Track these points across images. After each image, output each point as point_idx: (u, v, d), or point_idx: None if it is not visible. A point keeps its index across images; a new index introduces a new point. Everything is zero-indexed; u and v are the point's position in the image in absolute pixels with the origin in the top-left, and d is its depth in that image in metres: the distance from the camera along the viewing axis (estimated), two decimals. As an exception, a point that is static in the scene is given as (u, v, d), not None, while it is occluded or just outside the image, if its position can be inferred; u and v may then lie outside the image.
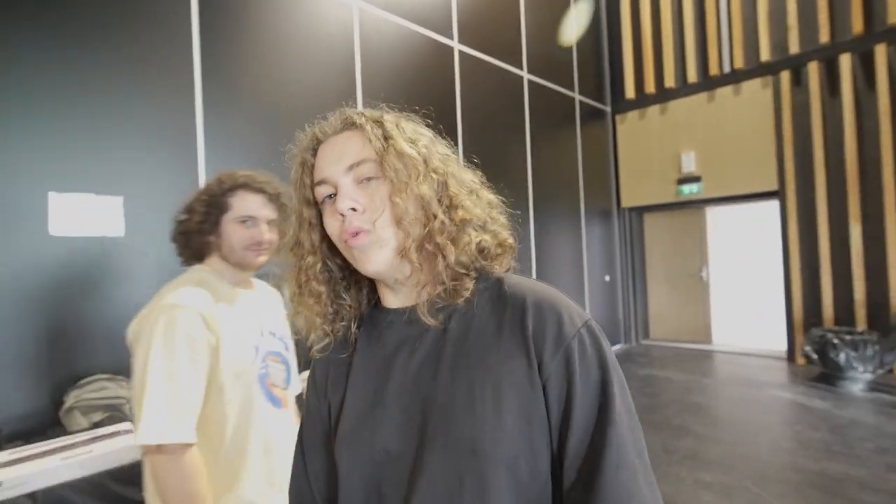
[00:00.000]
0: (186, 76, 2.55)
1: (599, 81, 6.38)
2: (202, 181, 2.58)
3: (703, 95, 5.69)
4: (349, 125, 0.60)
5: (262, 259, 1.13)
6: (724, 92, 5.53)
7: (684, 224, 6.21)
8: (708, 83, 5.64)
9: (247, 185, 1.11)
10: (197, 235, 1.11)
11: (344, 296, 0.65)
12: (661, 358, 5.65)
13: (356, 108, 0.64)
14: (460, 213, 0.57)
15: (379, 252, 0.57)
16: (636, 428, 0.52)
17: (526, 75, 5.07)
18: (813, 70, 4.90)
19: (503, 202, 0.65)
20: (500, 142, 4.74)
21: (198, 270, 1.12)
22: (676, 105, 5.91)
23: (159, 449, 0.91)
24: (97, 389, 2.04)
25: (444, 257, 0.56)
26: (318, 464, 0.66)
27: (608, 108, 6.47)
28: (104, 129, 2.25)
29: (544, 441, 0.52)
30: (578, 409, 0.50)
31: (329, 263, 0.64)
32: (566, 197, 5.69)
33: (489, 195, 0.63)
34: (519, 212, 0.66)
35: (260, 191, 1.12)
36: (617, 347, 6.29)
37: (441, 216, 0.56)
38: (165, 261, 2.39)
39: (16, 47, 2.02)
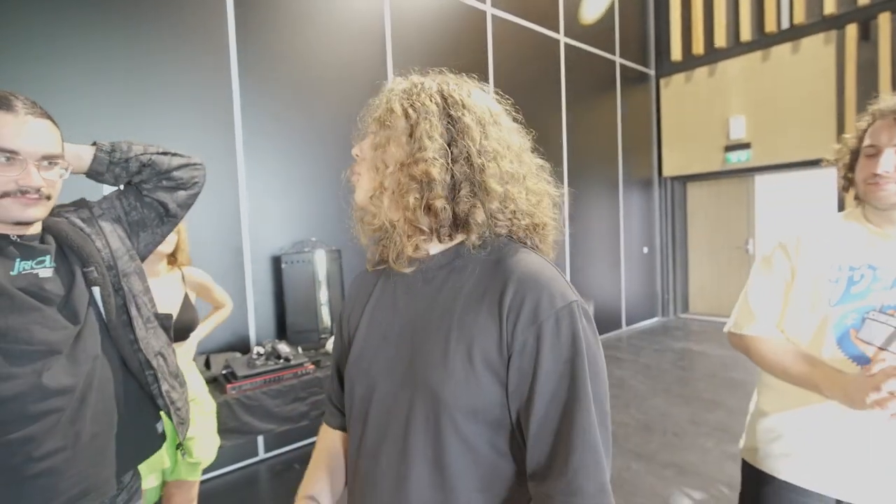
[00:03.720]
0: (222, 48, 2.63)
1: (643, 43, 6.04)
2: (239, 149, 2.69)
3: (756, 55, 5.29)
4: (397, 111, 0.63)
5: (885, 193, 0.93)
6: (781, 50, 5.12)
7: (730, 194, 5.90)
8: (763, 41, 5.23)
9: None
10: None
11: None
12: (700, 332, 5.50)
13: (387, 74, 0.66)
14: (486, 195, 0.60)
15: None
16: (603, 412, 0.56)
17: (563, 38, 4.87)
18: (884, 22, 4.44)
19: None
20: (534, 109, 4.61)
21: (849, 209, 1.09)
22: (727, 66, 5.52)
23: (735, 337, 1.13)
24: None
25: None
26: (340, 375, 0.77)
27: (652, 72, 6.14)
28: (146, 98, 2.37)
29: (502, 401, 0.57)
30: (542, 385, 0.54)
31: None
32: (604, 165, 5.51)
33: (533, 185, 0.65)
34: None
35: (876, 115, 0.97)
36: (653, 321, 6.15)
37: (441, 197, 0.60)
38: (204, 224, 2.54)
39: (68, 26, 2.15)
